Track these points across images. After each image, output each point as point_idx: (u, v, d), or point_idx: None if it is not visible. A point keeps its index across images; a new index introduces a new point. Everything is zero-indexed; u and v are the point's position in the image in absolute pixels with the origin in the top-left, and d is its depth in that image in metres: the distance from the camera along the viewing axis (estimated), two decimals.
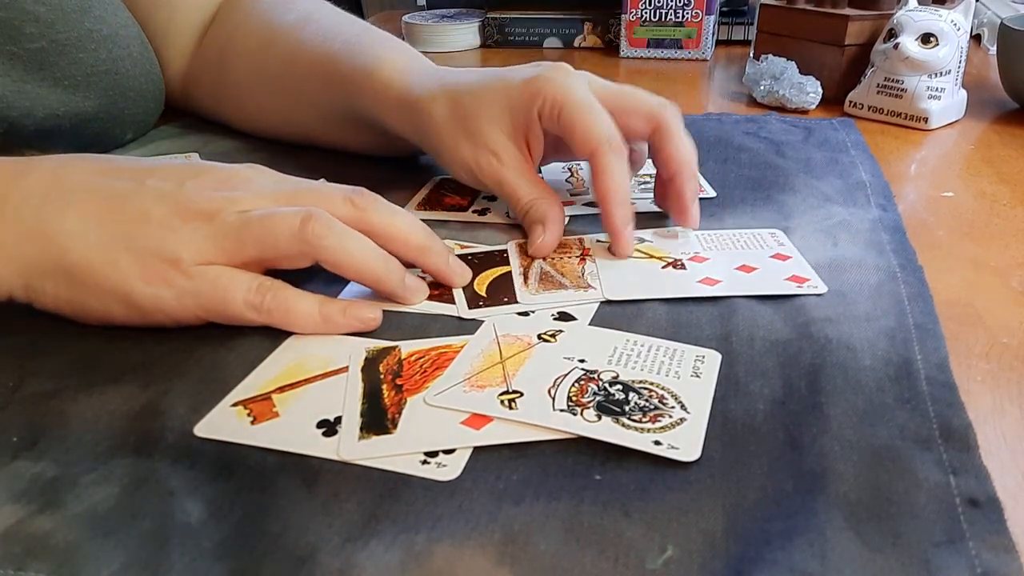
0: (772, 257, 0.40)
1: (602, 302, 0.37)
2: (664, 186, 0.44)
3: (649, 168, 0.53)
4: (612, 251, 0.41)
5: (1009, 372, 0.33)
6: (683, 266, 0.40)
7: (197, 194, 0.34)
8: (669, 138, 0.42)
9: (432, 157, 0.48)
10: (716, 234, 0.43)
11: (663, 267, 0.40)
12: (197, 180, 0.35)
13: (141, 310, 0.33)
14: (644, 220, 0.46)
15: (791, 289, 0.37)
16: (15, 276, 0.33)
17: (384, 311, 0.36)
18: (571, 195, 0.49)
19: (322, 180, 0.39)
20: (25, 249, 0.33)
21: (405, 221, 0.37)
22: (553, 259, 0.41)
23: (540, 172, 0.53)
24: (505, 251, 0.42)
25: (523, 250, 0.42)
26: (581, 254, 0.42)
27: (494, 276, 0.40)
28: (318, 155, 0.58)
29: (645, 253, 0.41)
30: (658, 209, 0.47)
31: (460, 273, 0.39)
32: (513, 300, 0.37)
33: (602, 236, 0.43)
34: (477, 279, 0.39)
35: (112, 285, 0.33)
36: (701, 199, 0.49)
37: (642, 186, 0.50)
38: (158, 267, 0.33)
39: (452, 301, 0.37)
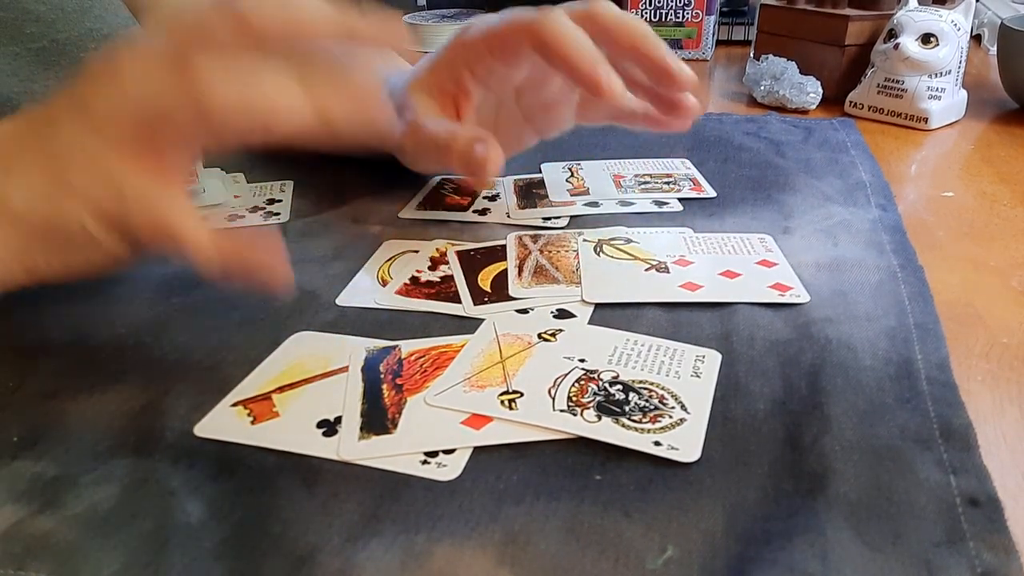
0: (758, 263, 0.40)
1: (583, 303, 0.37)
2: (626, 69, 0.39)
3: (649, 168, 0.53)
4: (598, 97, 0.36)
5: (1009, 372, 0.33)
6: (667, 269, 0.39)
7: (101, 104, 0.31)
8: (595, 20, 0.37)
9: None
10: (705, 237, 0.43)
11: (646, 270, 0.40)
12: (95, 87, 0.32)
13: (109, 250, 0.32)
14: (640, 221, 0.46)
15: (773, 297, 0.37)
16: (10, 261, 0.33)
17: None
18: (571, 195, 0.49)
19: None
20: (5, 239, 0.32)
21: (304, 7, 0.31)
22: (551, 252, 0.41)
23: (540, 172, 0.53)
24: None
25: (521, 243, 0.42)
26: (578, 250, 0.42)
27: (498, 271, 0.40)
28: (318, 154, 0.58)
29: (630, 254, 0.41)
30: (657, 209, 0.47)
31: (398, 34, 0.33)
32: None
33: (597, 234, 0.43)
34: (481, 274, 0.39)
35: (71, 231, 0.31)
36: (701, 199, 0.49)
37: (642, 186, 0.50)
38: (95, 194, 0.31)
39: (458, 299, 0.37)
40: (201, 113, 0.29)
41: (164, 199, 0.31)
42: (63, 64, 0.49)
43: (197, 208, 0.31)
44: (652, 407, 0.29)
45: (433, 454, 0.27)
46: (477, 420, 0.29)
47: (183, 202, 0.31)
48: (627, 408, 0.29)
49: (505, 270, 0.40)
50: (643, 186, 0.51)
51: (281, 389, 0.31)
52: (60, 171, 0.32)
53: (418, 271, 0.40)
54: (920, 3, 0.65)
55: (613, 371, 0.32)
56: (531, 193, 0.50)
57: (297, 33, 0.30)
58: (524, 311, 0.37)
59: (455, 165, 0.38)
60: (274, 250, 0.32)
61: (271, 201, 0.49)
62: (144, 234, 0.31)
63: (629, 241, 0.42)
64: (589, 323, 0.36)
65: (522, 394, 0.30)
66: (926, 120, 0.62)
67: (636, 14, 0.87)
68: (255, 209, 0.48)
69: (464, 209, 0.48)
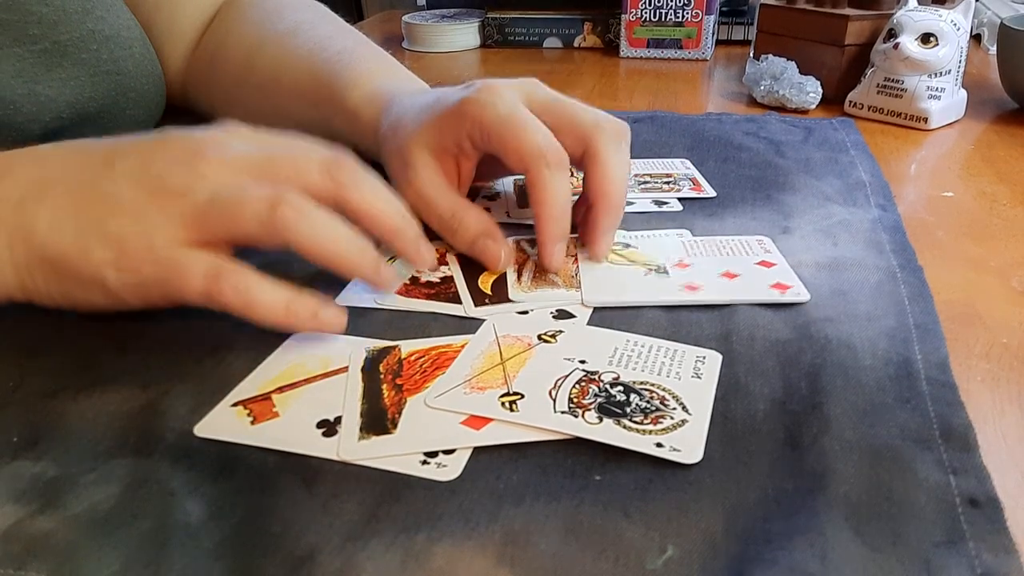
0: (757, 264, 0.40)
1: (583, 306, 0.37)
2: (584, 210, 0.41)
3: (649, 168, 0.53)
4: (537, 262, 0.40)
5: (1009, 372, 0.33)
6: (666, 273, 0.40)
7: (167, 171, 0.33)
8: (595, 164, 0.40)
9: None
10: (703, 240, 0.43)
11: (646, 274, 0.40)
12: (166, 155, 0.34)
13: (115, 296, 0.33)
14: (640, 221, 0.46)
15: (774, 297, 0.37)
16: (9, 276, 0.33)
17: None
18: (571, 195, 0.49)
19: (301, 140, 0.37)
20: (13, 249, 0.33)
21: (381, 200, 0.35)
22: None
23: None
24: None
25: (520, 247, 0.42)
26: (576, 254, 0.42)
27: (497, 274, 0.40)
28: None
29: (628, 259, 0.41)
30: (657, 209, 0.47)
31: (427, 259, 0.37)
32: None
33: None
34: (481, 277, 0.39)
35: (90, 275, 0.32)
36: (701, 199, 0.49)
37: (642, 186, 0.50)
38: (128, 253, 0.32)
39: (457, 300, 0.37)
40: (269, 225, 0.32)
41: (227, 267, 0.32)
42: (66, 65, 0.49)
43: (260, 273, 0.33)
44: (653, 408, 0.29)
45: (433, 454, 0.27)
46: (477, 420, 0.29)
47: (247, 270, 0.33)
48: (628, 409, 0.29)
49: (504, 272, 0.40)
50: (643, 186, 0.51)
51: (281, 389, 0.31)
52: (99, 217, 0.33)
53: (418, 271, 0.40)
54: (920, 3, 0.65)
55: (614, 372, 0.32)
56: None
57: (366, 217, 0.35)
58: (524, 312, 0.37)
59: (459, 247, 0.41)
60: (338, 320, 0.34)
61: None
62: (195, 298, 0.32)
63: (627, 246, 0.42)
64: (588, 324, 0.36)
65: (523, 396, 0.30)
66: (926, 120, 0.62)
67: (636, 14, 0.87)
68: None
69: None
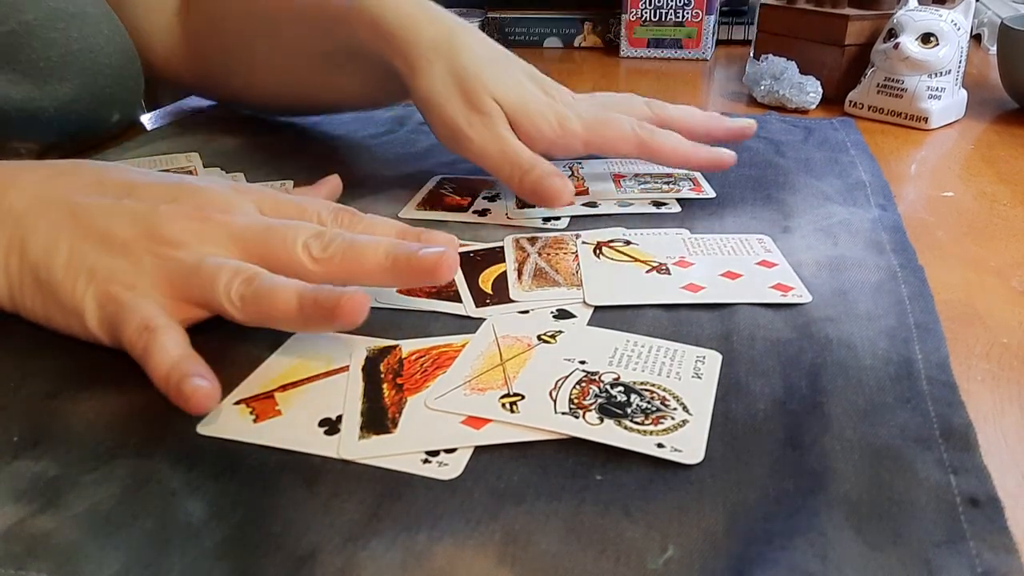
0: (758, 264, 0.40)
1: (585, 305, 0.37)
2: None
3: (649, 168, 0.53)
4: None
5: (1009, 372, 0.33)
6: (667, 271, 0.39)
7: (169, 220, 0.33)
8: (656, 154, 0.47)
9: (416, 105, 0.47)
10: (704, 238, 0.43)
11: (647, 271, 0.40)
12: (174, 204, 0.34)
13: (89, 331, 0.33)
14: (640, 221, 0.46)
15: (775, 298, 0.37)
16: (2, 284, 0.33)
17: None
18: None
19: (307, 202, 0.37)
20: (9, 259, 0.33)
21: (372, 263, 0.33)
22: (549, 255, 0.41)
23: None
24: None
25: (519, 246, 0.42)
26: (576, 251, 0.42)
27: (498, 273, 0.40)
28: (318, 154, 0.58)
29: (630, 256, 0.41)
30: (656, 210, 0.47)
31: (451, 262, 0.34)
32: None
33: (595, 236, 0.43)
34: (482, 276, 0.39)
35: (71, 305, 0.32)
36: (700, 199, 0.49)
37: (641, 186, 0.51)
38: (110, 292, 0.32)
39: (458, 299, 0.37)
40: (234, 306, 0.31)
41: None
42: (34, 47, 0.49)
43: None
44: (654, 409, 0.29)
45: (434, 453, 0.28)
46: (477, 419, 0.29)
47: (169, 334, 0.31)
48: (629, 410, 0.29)
49: (505, 272, 0.40)
50: (643, 186, 0.51)
51: (284, 388, 0.31)
52: (92, 251, 0.33)
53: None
54: (920, 3, 0.65)
55: (614, 372, 0.32)
56: None
57: (354, 279, 0.33)
58: (525, 311, 0.37)
59: (524, 191, 0.44)
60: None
61: None
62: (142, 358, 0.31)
63: (628, 243, 0.42)
64: (588, 324, 0.36)
65: (523, 397, 0.30)
66: (926, 120, 0.62)
67: (636, 14, 0.87)
68: None
69: (464, 210, 0.48)
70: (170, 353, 0.30)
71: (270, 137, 0.61)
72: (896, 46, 0.62)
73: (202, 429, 0.29)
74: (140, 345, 0.31)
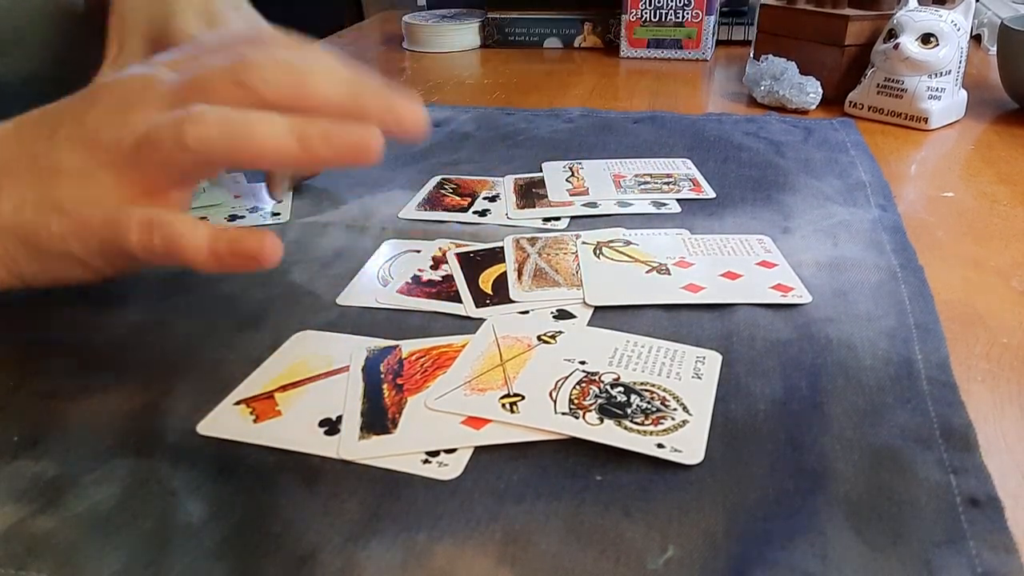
0: (758, 264, 0.40)
1: (585, 305, 0.37)
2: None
3: (650, 168, 0.53)
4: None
5: (1009, 372, 0.33)
6: (667, 271, 0.39)
7: (100, 127, 0.32)
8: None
9: None
10: (704, 238, 0.43)
11: (647, 272, 0.40)
12: (97, 110, 0.33)
13: (89, 266, 0.32)
14: (639, 221, 0.46)
15: (775, 298, 0.37)
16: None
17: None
18: (570, 195, 0.49)
19: (232, 44, 0.34)
20: None
21: (316, 83, 0.31)
22: (549, 255, 0.41)
23: (542, 170, 0.53)
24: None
25: (519, 246, 0.42)
26: (576, 251, 0.42)
27: (498, 273, 0.40)
28: None
29: (630, 256, 0.41)
30: (655, 210, 0.47)
31: (407, 114, 0.32)
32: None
33: (595, 236, 0.43)
34: (482, 276, 0.39)
35: (58, 249, 0.32)
36: (700, 199, 0.49)
37: (641, 186, 0.51)
38: (83, 220, 0.31)
39: (459, 299, 0.37)
40: (182, 146, 0.30)
41: (158, 216, 0.31)
42: None
43: (189, 216, 0.32)
44: (654, 409, 0.29)
45: (434, 453, 0.28)
46: (477, 420, 0.29)
47: (176, 216, 0.31)
48: (629, 410, 0.29)
49: (505, 272, 0.40)
50: (643, 186, 0.51)
51: (283, 388, 0.31)
52: (50, 188, 0.32)
53: (420, 270, 0.40)
54: (920, 3, 0.65)
55: (614, 373, 0.32)
56: (531, 193, 0.50)
57: (301, 103, 0.30)
58: (525, 312, 0.37)
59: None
60: (264, 243, 0.30)
61: None
62: (138, 252, 0.31)
63: (628, 243, 0.42)
64: (589, 324, 0.36)
65: (523, 397, 0.30)
66: (926, 120, 0.62)
67: (636, 14, 0.87)
68: (255, 209, 0.48)
69: (464, 210, 0.48)
70: (196, 227, 0.30)
71: None
72: (896, 46, 0.62)
73: (202, 430, 0.29)
74: (155, 241, 0.30)
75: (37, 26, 0.51)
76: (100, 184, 0.32)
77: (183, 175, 0.32)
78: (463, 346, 0.33)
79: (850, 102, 0.67)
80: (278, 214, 0.48)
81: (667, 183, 0.51)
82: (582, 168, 0.54)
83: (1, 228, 0.32)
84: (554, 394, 0.30)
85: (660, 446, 0.27)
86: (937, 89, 0.62)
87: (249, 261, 0.30)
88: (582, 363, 0.32)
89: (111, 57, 0.47)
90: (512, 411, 0.29)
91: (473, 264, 0.41)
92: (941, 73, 0.62)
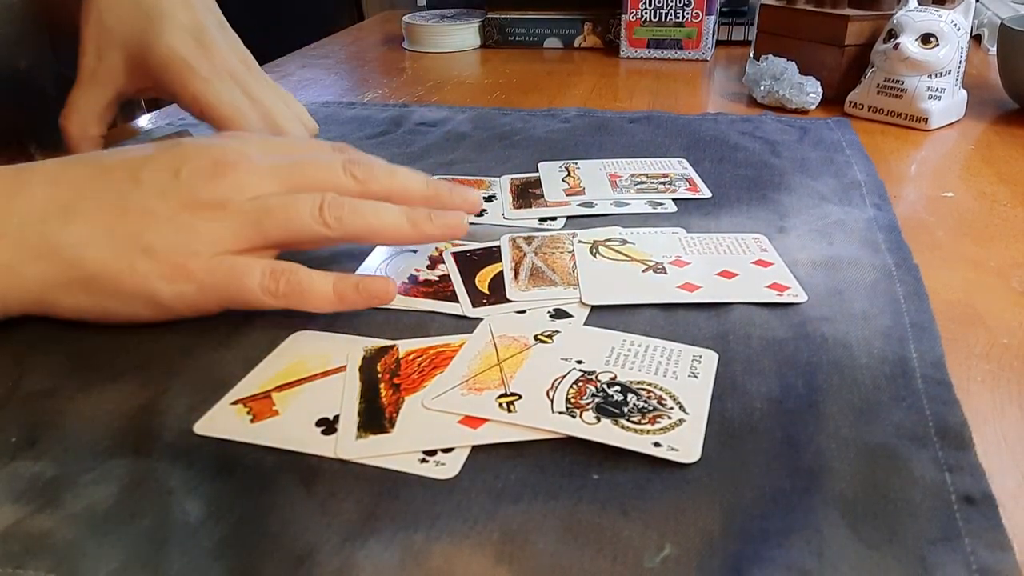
0: (754, 263, 0.40)
1: (581, 304, 0.37)
2: None
3: (646, 168, 0.53)
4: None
5: (1009, 372, 0.33)
6: (664, 270, 0.40)
7: (198, 184, 0.34)
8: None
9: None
10: (700, 237, 0.43)
11: (643, 271, 0.40)
12: (191, 167, 0.35)
13: (166, 307, 0.34)
14: (636, 220, 0.46)
15: (771, 297, 0.37)
16: (26, 293, 0.33)
17: (381, 309, 0.37)
18: (566, 195, 0.49)
19: (311, 142, 0.40)
20: (34, 268, 0.33)
21: (404, 179, 0.39)
22: (545, 255, 0.41)
23: (538, 170, 0.53)
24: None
25: (515, 245, 0.42)
26: (573, 251, 0.42)
27: (495, 272, 0.40)
28: None
29: (626, 255, 0.41)
30: (652, 210, 0.47)
31: (472, 200, 0.41)
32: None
33: (592, 235, 0.43)
34: (479, 276, 0.40)
35: (136, 289, 0.33)
36: (697, 199, 0.49)
37: (637, 186, 0.51)
38: (177, 264, 0.33)
39: (455, 299, 0.37)
40: (330, 235, 0.35)
41: (278, 264, 0.35)
42: None
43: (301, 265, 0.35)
44: (651, 408, 0.29)
45: (431, 453, 0.28)
46: (475, 419, 0.29)
47: (293, 264, 0.35)
48: (626, 409, 0.29)
49: (502, 272, 0.40)
50: (639, 186, 0.51)
51: (281, 387, 0.31)
52: (138, 230, 0.33)
53: (417, 269, 0.40)
54: (920, 3, 0.65)
55: (611, 372, 0.32)
56: (527, 193, 0.50)
57: (397, 199, 0.38)
58: (522, 311, 0.37)
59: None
60: (389, 285, 0.36)
61: None
62: (257, 297, 0.34)
63: (624, 242, 0.42)
64: (585, 324, 0.36)
65: (520, 396, 0.30)
66: (926, 120, 0.62)
67: (636, 14, 0.87)
68: None
69: None
70: (316, 274, 0.34)
71: None
72: (896, 46, 0.62)
73: (199, 429, 0.29)
74: (281, 287, 0.34)
75: None
76: (197, 234, 0.34)
77: (298, 242, 0.36)
78: (460, 346, 0.34)
79: (850, 102, 0.67)
80: None
81: (663, 183, 0.51)
82: (578, 168, 0.54)
83: (63, 262, 0.33)
84: (551, 393, 0.30)
85: (657, 445, 0.27)
86: (937, 89, 0.62)
87: (373, 301, 0.35)
88: (579, 362, 0.32)
89: (88, 70, 0.47)
90: (509, 410, 0.29)
91: (470, 263, 0.41)
92: (941, 73, 0.62)
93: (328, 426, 0.29)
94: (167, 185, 0.34)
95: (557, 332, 0.35)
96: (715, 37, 0.91)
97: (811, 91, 0.67)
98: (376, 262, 0.41)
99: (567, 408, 0.29)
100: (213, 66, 0.47)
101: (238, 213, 0.34)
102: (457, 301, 0.37)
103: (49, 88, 0.38)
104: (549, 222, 0.46)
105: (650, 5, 0.86)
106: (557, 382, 0.31)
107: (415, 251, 0.42)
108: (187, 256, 0.33)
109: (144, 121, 0.68)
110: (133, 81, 0.48)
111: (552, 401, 0.30)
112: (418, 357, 0.33)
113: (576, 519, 0.25)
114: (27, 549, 0.24)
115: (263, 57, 0.58)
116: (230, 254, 0.34)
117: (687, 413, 0.29)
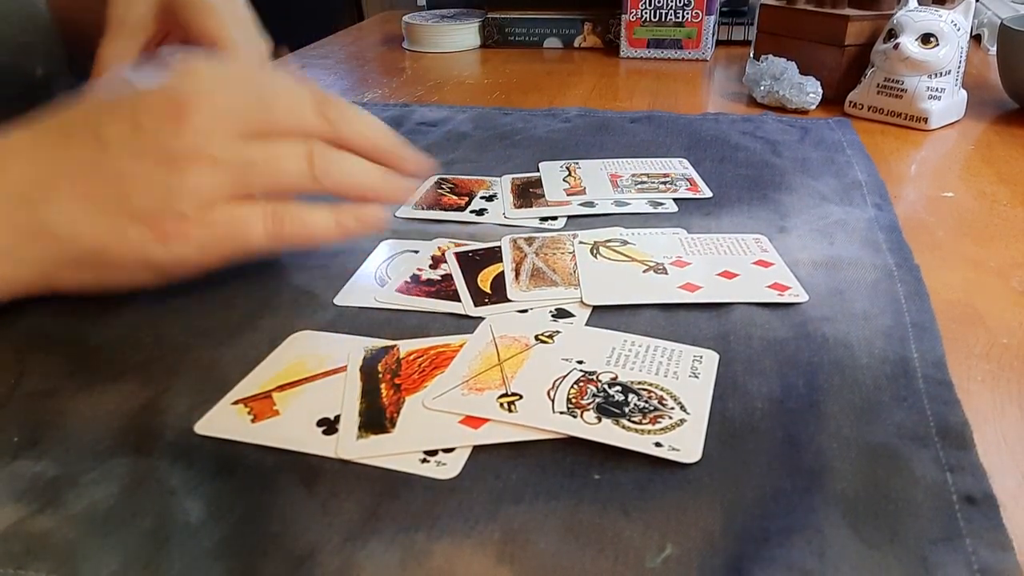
0: (754, 263, 0.40)
1: (582, 304, 0.37)
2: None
3: (647, 167, 0.53)
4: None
5: (1009, 372, 0.33)
6: (664, 270, 0.40)
7: (163, 136, 0.33)
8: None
9: None
10: (700, 238, 0.43)
11: (644, 271, 0.40)
12: (149, 115, 0.33)
13: (166, 270, 0.34)
14: (636, 220, 0.46)
15: (772, 297, 0.37)
16: (28, 274, 0.33)
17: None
18: (567, 195, 0.49)
19: (272, 75, 0.38)
20: (31, 250, 0.33)
21: (372, 127, 0.39)
22: (546, 255, 0.41)
23: (539, 170, 0.53)
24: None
25: (516, 246, 0.42)
26: (573, 251, 0.42)
27: (496, 272, 0.40)
28: None
29: (627, 256, 0.41)
30: (652, 210, 0.47)
31: (421, 165, 0.41)
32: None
33: (592, 236, 0.43)
34: (480, 276, 0.40)
35: (132, 256, 0.33)
36: (697, 199, 0.49)
37: (638, 185, 0.51)
38: (168, 225, 0.32)
39: (457, 298, 0.37)
40: (314, 187, 0.35)
41: (277, 207, 0.35)
42: None
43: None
44: (652, 408, 0.29)
45: (432, 453, 0.28)
46: (475, 419, 0.29)
47: (291, 203, 0.35)
48: (627, 409, 0.29)
49: (503, 271, 0.40)
50: (640, 186, 0.51)
51: (281, 388, 0.31)
52: (120, 197, 0.32)
53: (419, 269, 0.40)
54: (920, 3, 0.65)
55: (612, 372, 0.32)
56: (528, 192, 0.50)
57: (363, 148, 0.38)
58: (524, 311, 0.37)
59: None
60: (379, 209, 0.37)
61: None
62: (264, 241, 0.34)
63: (625, 243, 0.42)
64: (586, 324, 0.36)
65: (521, 396, 0.30)
66: (926, 120, 0.62)
67: (636, 14, 0.87)
68: None
69: (461, 209, 0.48)
70: (315, 208, 0.35)
71: None
72: (896, 46, 0.62)
73: (200, 429, 0.29)
74: (286, 228, 0.34)
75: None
76: (178, 192, 0.32)
77: (283, 193, 0.36)
78: (461, 346, 0.33)
79: (850, 102, 0.67)
80: None
81: (664, 183, 0.51)
82: (579, 168, 0.54)
83: (54, 243, 0.32)
84: (552, 393, 0.30)
85: (658, 445, 0.27)
86: (937, 89, 0.62)
87: (370, 228, 0.37)
88: (580, 362, 0.32)
89: (117, 20, 0.46)
90: (510, 410, 0.29)
91: (472, 263, 0.41)
92: (941, 73, 0.62)
93: (329, 426, 0.29)
94: (134, 143, 0.33)
95: (558, 332, 0.35)
96: (715, 37, 0.91)
97: (811, 91, 0.67)
98: (375, 263, 0.41)
99: (568, 408, 0.29)
100: (234, 11, 0.47)
101: (219, 166, 0.33)
102: (459, 300, 0.37)
103: (63, 97, 0.38)
104: (550, 222, 0.46)
105: (650, 5, 0.86)
106: (558, 382, 0.31)
107: (416, 251, 0.42)
108: (177, 218, 0.32)
109: None
110: (160, 27, 0.48)
111: (553, 401, 0.30)
112: (419, 357, 0.33)
113: (577, 519, 0.25)
114: (28, 549, 0.24)
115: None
116: (227, 204, 0.33)
117: (688, 413, 0.29)
